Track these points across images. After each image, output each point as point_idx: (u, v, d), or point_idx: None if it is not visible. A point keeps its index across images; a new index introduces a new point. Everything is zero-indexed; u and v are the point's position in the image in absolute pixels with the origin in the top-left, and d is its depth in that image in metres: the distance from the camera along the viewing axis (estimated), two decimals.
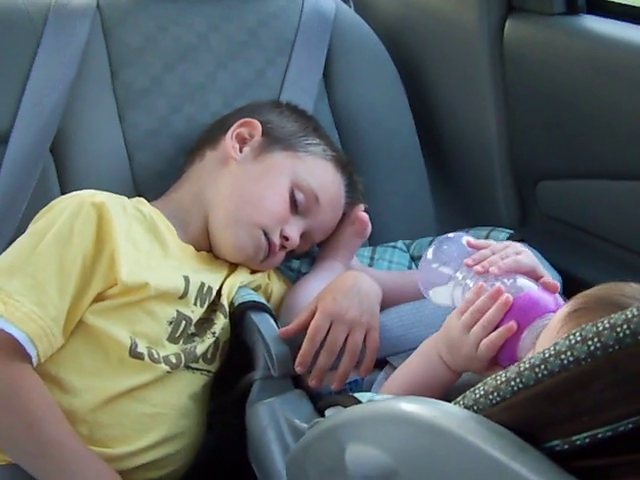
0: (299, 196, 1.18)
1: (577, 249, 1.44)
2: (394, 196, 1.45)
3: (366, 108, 1.46)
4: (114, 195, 1.11)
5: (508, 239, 1.27)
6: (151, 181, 1.29)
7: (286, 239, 1.17)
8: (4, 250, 1.08)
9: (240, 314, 1.11)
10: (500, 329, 0.89)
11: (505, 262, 0.96)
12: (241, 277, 1.17)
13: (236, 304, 1.12)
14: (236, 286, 1.15)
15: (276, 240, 1.16)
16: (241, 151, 1.21)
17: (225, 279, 1.15)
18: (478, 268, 0.96)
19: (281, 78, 1.41)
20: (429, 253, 1.03)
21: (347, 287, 1.07)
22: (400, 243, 1.40)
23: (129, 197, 1.20)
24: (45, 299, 1.00)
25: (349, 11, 1.53)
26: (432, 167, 1.50)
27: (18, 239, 1.06)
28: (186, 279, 1.09)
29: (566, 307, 0.83)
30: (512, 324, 0.88)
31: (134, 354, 1.03)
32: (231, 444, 1.11)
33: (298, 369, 1.04)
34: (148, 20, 1.34)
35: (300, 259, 1.33)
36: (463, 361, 0.91)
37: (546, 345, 0.67)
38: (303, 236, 1.20)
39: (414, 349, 1.00)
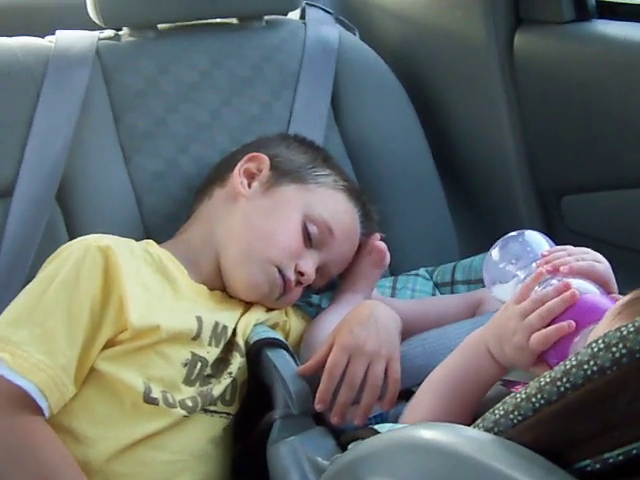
0: (312, 229, 1.14)
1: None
2: (413, 223, 1.41)
3: (378, 135, 1.43)
4: (121, 238, 1.08)
5: None
6: (162, 224, 1.27)
7: (301, 274, 1.13)
8: None
9: (256, 352, 1.07)
10: (559, 325, 0.83)
11: (579, 264, 0.91)
12: (257, 315, 1.13)
13: (251, 342, 1.08)
14: (251, 324, 1.11)
15: (291, 276, 1.12)
16: (250, 186, 1.18)
17: (240, 317, 1.12)
18: (547, 268, 0.91)
19: (288, 111, 1.39)
20: (494, 253, 1.00)
21: (364, 318, 1.03)
22: (422, 271, 1.35)
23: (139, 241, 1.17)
24: (54, 348, 0.97)
25: (354, 39, 1.51)
26: (451, 189, 1.46)
27: (25, 288, 1.04)
28: (199, 319, 1.05)
29: (620, 301, 0.77)
30: (572, 322, 0.82)
31: (148, 400, 0.99)
32: None
33: (318, 407, 0.99)
34: (148, 62, 1.33)
35: (320, 294, 1.30)
36: (512, 352, 0.85)
37: None
38: (319, 270, 1.16)
39: None
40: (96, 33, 1.34)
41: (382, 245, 1.22)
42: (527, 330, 0.84)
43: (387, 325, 1.03)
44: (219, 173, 1.22)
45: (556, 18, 1.38)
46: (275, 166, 1.19)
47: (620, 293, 1.21)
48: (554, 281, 0.89)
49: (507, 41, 1.41)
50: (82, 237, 1.08)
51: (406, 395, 1.03)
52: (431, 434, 0.66)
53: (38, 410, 0.95)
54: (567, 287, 0.85)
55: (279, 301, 1.15)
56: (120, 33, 1.36)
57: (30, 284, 1.04)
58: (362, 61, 1.47)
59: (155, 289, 1.05)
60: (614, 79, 1.30)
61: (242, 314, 1.12)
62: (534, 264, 0.96)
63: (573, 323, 0.82)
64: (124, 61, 1.32)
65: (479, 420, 0.66)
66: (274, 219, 1.14)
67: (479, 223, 1.51)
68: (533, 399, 0.61)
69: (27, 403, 0.95)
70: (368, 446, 0.75)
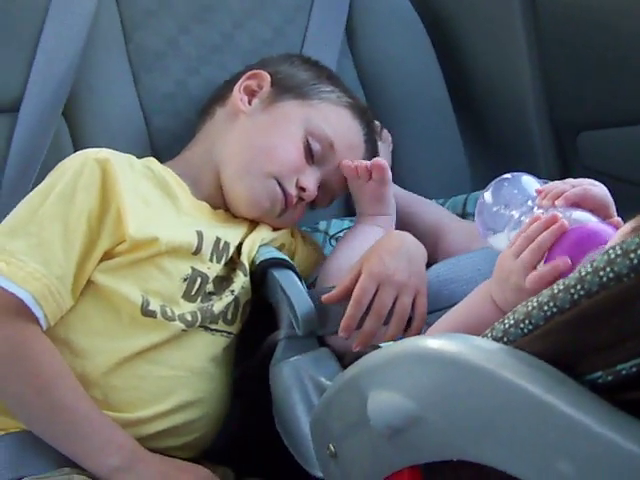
0: (314, 145, 1.12)
1: (623, 203, 1.34)
2: (425, 153, 1.39)
3: (392, 63, 1.40)
4: (121, 153, 1.06)
5: None
6: (169, 145, 1.24)
7: (303, 190, 1.10)
8: None
9: (262, 272, 1.05)
10: (553, 263, 0.78)
11: (573, 191, 0.86)
12: (262, 234, 1.11)
13: (257, 262, 1.06)
14: (257, 243, 1.09)
15: (292, 190, 1.10)
16: (250, 103, 1.15)
17: (245, 236, 1.10)
18: (545, 201, 0.88)
19: (302, 36, 1.36)
20: (487, 195, 0.95)
21: (394, 247, 0.99)
22: (433, 202, 1.33)
23: None
24: (50, 258, 0.95)
25: None
26: (464, 121, 1.43)
27: (23, 200, 1.02)
28: (199, 234, 1.03)
29: (629, 223, 0.71)
30: (566, 259, 0.78)
31: (146, 312, 0.98)
32: (260, 412, 1.05)
33: (342, 334, 0.96)
34: None
35: (327, 220, 1.28)
36: (511, 295, 0.81)
37: None
38: (322, 188, 1.14)
39: (451, 307, 0.93)
40: None
41: (380, 161, 1.16)
42: (521, 269, 0.80)
43: (417, 257, 1.00)
44: (221, 92, 1.20)
45: None
46: (276, 82, 1.16)
47: None
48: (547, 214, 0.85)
49: None
50: (81, 151, 1.06)
51: None
52: (438, 343, 0.64)
53: (34, 320, 0.94)
54: (555, 219, 0.81)
55: (281, 218, 1.12)
56: None
57: (28, 196, 1.02)
58: None
59: (155, 203, 1.03)
60: None
61: (247, 233, 1.10)
62: (529, 202, 0.92)
63: (568, 260, 0.78)
64: None
65: (487, 330, 0.64)
66: (274, 134, 1.12)
67: (493, 157, 1.48)
68: (545, 307, 0.59)
69: (22, 312, 0.93)
70: (371, 359, 0.72)
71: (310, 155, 1.12)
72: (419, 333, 0.98)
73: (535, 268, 0.80)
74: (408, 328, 0.98)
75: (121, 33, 1.27)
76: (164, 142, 1.25)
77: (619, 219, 0.86)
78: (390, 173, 1.17)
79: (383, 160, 1.17)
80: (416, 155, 1.37)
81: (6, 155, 1.17)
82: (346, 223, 1.28)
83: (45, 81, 1.19)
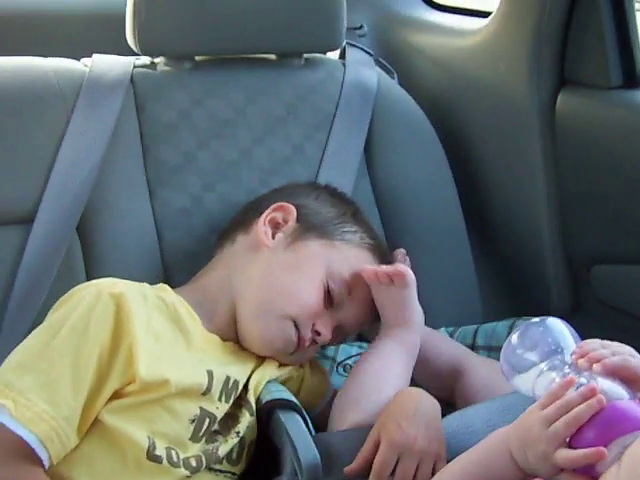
0: (334, 288, 1.11)
1: (635, 339, 1.34)
2: (437, 277, 1.37)
3: (409, 185, 1.40)
4: (135, 284, 1.05)
5: None
6: (181, 262, 1.24)
7: (317, 334, 1.10)
8: (27, 330, 1.04)
9: (267, 412, 1.03)
10: (588, 451, 0.78)
11: (613, 360, 0.85)
12: (270, 370, 1.09)
13: (264, 401, 1.04)
14: (264, 380, 1.07)
15: (307, 334, 1.09)
16: (274, 237, 1.14)
17: (252, 372, 1.08)
18: (583, 362, 0.87)
19: (320, 154, 1.36)
20: (514, 338, 0.95)
21: (411, 411, 0.98)
22: (443, 330, 1.31)
23: (157, 278, 1.15)
24: (58, 398, 0.94)
25: (392, 83, 1.47)
26: (478, 248, 1.42)
27: (33, 331, 1.01)
28: (210, 374, 1.02)
29: None
30: (603, 451, 0.77)
31: (152, 457, 0.96)
32: None
33: None
34: (182, 94, 1.30)
35: (335, 346, 1.26)
36: (535, 459, 0.81)
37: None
38: (335, 329, 1.12)
39: None
40: (132, 59, 1.31)
41: (400, 267, 1.13)
42: (552, 439, 0.80)
43: (434, 419, 0.98)
44: (244, 218, 1.19)
45: (602, 83, 1.34)
46: (302, 218, 1.15)
47: None
48: (582, 379, 0.85)
49: (550, 101, 1.38)
50: (95, 281, 1.06)
51: None
52: None
53: (38, 461, 0.92)
54: (593, 392, 0.81)
55: (292, 357, 1.11)
56: (156, 61, 1.33)
57: (38, 328, 1.01)
58: (399, 108, 1.44)
59: (167, 339, 1.02)
60: None
61: (254, 368, 1.09)
62: (557, 360, 0.91)
63: (604, 451, 0.77)
64: (158, 91, 1.29)
65: None
66: (297, 276, 1.10)
67: (505, 285, 1.47)
68: None
69: (27, 453, 0.91)
70: None
71: (330, 300, 1.11)
72: None
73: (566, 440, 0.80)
74: None
75: (140, 146, 1.27)
76: (176, 259, 1.24)
77: None
78: (413, 277, 1.13)
79: (403, 266, 1.14)
80: (428, 279, 1.34)
81: (16, 268, 1.15)
82: (355, 349, 1.27)
83: (62, 193, 1.19)
